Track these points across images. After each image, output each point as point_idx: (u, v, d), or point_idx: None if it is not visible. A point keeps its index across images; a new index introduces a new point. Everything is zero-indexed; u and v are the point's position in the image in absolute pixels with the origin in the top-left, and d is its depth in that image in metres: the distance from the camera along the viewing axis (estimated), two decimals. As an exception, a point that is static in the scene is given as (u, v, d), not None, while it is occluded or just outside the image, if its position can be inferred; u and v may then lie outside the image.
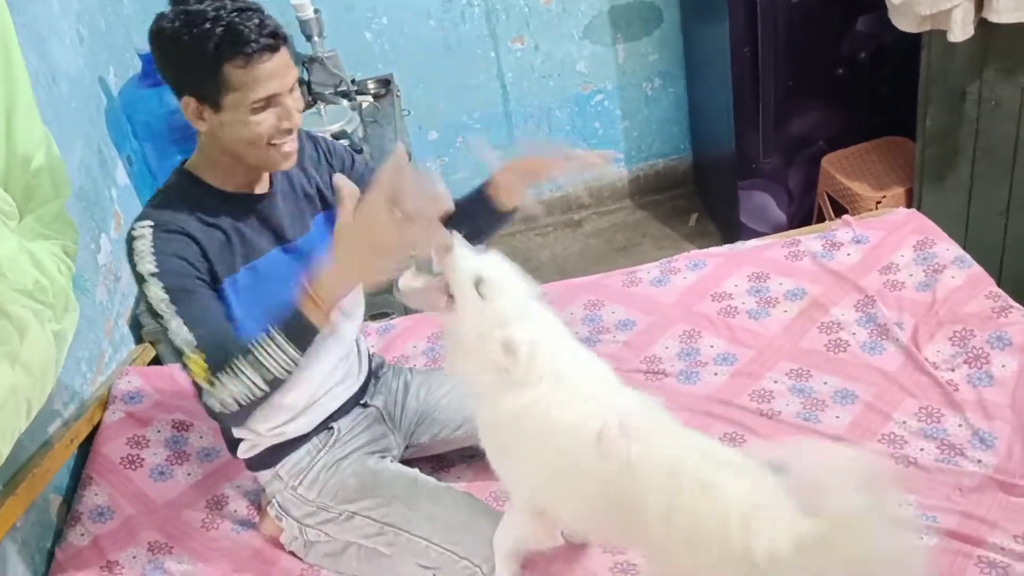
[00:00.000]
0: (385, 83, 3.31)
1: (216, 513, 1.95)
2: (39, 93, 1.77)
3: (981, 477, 1.70)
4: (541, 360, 1.43)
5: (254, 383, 1.44)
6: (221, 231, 1.59)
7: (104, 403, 2.18)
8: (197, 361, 1.47)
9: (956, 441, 1.79)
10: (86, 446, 2.11)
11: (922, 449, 1.79)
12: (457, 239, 1.49)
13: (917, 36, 2.52)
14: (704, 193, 3.83)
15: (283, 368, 1.44)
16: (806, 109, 3.14)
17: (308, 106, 2.96)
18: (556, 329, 1.50)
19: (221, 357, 1.45)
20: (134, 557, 1.86)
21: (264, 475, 1.82)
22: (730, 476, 1.33)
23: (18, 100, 1.67)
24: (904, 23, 2.46)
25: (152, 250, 1.50)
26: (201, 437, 2.10)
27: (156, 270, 1.49)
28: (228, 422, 1.70)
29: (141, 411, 2.16)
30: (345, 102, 2.96)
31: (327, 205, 1.77)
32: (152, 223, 1.53)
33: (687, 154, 3.91)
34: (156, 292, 1.49)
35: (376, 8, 3.39)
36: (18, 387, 1.60)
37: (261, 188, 1.66)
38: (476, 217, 1.79)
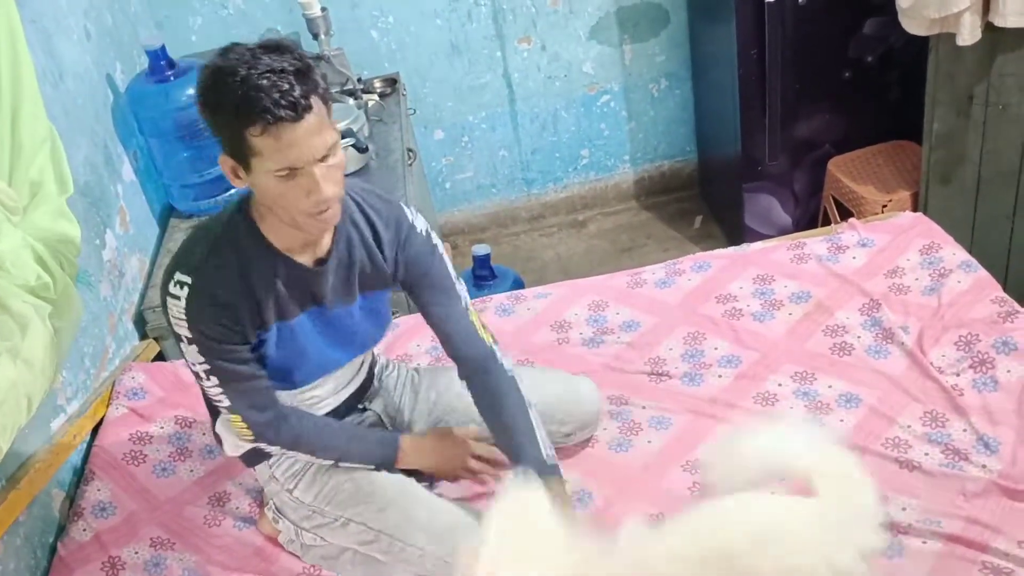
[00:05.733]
0: (391, 82, 3.31)
1: (218, 510, 1.95)
2: (46, 89, 1.77)
3: (985, 482, 1.70)
4: None
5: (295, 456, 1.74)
6: (259, 294, 1.54)
7: (107, 399, 2.19)
8: (237, 421, 1.63)
9: (961, 446, 1.78)
10: (89, 442, 2.11)
11: (926, 454, 1.79)
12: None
13: (924, 39, 2.52)
14: (709, 195, 3.83)
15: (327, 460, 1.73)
16: (813, 112, 3.13)
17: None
18: None
19: (270, 435, 1.65)
20: (136, 553, 1.86)
21: (262, 471, 1.80)
22: None
23: (24, 96, 1.67)
24: (913, 26, 2.45)
25: (185, 317, 1.51)
26: (204, 434, 2.10)
27: (190, 335, 1.53)
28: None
29: (144, 407, 2.16)
30: (351, 100, 2.96)
31: (385, 285, 1.70)
32: (191, 282, 1.50)
33: (693, 156, 3.90)
34: (193, 356, 1.56)
35: (383, 7, 3.39)
36: (19, 382, 1.60)
37: (319, 252, 1.58)
38: None
